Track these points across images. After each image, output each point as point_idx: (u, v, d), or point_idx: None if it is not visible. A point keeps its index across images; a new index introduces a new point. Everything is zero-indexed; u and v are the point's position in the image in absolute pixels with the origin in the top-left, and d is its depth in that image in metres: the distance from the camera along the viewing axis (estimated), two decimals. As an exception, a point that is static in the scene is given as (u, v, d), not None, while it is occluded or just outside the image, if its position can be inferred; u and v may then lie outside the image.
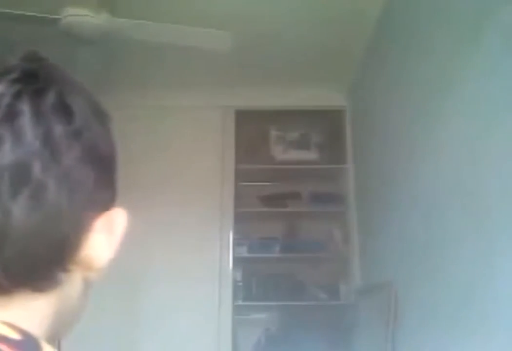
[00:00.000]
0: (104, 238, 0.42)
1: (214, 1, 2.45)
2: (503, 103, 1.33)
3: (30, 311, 0.39)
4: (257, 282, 3.27)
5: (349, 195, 3.21)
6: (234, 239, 3.14)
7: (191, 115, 3.35)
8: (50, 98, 0.38)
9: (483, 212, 1.42)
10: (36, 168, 0.36)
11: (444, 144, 1.74)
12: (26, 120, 0.37)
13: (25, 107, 0.37)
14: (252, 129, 3.52)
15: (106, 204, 0.43)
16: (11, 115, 0.36)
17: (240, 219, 3.20)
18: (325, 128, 3.49)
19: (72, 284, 0.42)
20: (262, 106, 3.35)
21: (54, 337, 0.41)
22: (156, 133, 3.28)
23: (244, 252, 3.20)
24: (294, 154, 3.39)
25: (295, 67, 3.10)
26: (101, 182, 0.42)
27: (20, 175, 0.36)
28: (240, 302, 3.14)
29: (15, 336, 0.35)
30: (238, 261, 3.15)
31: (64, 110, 0.39)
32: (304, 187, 3.43)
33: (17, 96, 0.37)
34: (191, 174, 3.18)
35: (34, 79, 0.39)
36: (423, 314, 1.87)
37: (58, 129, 0.38)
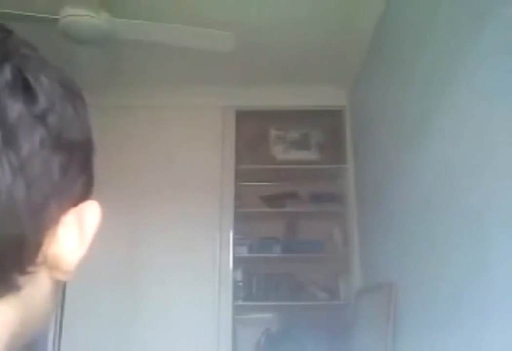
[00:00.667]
0: (74, 234, 0.37)
1: (215, 2, 2.45)
2: (499, 102, 1.33)
3: None
4: (257, 282, 3.27)
5: (349, 195, 3.21)
6: (234, 239, 3.13)
7: (191, 115, 3.35)
8: (6, 74, 0.33)
9: (481, 211, 1.42)
10: None
11: (443, 143, 1.74)
12: None
13: None
14: (252, 129, 3.52)
15: (78, 196, 0.38)
16: None
17: (240, 219, 3.20)
18: (325, 128, 3.49)
19: (37, 286, 0.36)
20: (262, 106, 3.35)
21: (18, 343, 0.37)
22: (156, 133, 3.29)
23: (244, 252, 3.20)
24: (294, 154, 3.39)
25: (295, 67, 3.10)
26: (70, 171, 0.36)
27: None
28: (240, 302, 3.14)
29: None
30: (238, 261, 3.15)
31: (24, 89, 0.33)
32: (304, 187, 3.44)
33: None
34: (191, 174, 3.18)
35: None
36: (423, 313, 1.87)
37: (15, 110, 0.32)
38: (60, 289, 0.41)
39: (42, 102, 0.34)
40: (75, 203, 0.38)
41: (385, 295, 2.24)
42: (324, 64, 3.04)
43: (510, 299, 1.27)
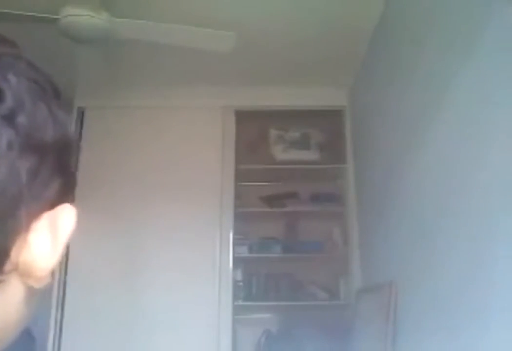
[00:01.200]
0: (47, 240, 0.35)
1: (215, 2, 2.45)
2: (499, 102, 1.33)
3: None
4: (257, 282, 3.27)
5: (349, 195, 3.21)
6: (234, 239, 3.13)
7: (191, 115, 3.35)
8: None
9: (481, 211, 1.42)
10: None
11: (443, 142, 1.74)
12: None
13: None
14: (252, 129, 3.52)
15: (52, 200, 0.36)
16: None
17: (240, 219, 3.20)
18: (325, 128, 3.49)
19: (8, 294, 0.34)
20: (262, 106, 3.35)
21: None
22: (156, 133, 3.29)
23: (244, 252, 3.20)
24: (294, 154, 3.39)
25: (295, 67, 3.10)
26: (42, 174, 0.34)
27: None
28: (240, 302, 3.14)
29: None
30: (238, 261, 3.15)
31: None
32: (304, 187, 3.44)
33: None
34: (191, 174, 3.18)
35: None
36: (423, 313, 1.87)
37: None
38: (33, 300, 0.38)
39: (9, 101, 0.32)
40: (49, 207, 0.35)
41: (385, 295, 2.24)
42: (324, 64, 3.04)
43: (510, 299, 1.27)
